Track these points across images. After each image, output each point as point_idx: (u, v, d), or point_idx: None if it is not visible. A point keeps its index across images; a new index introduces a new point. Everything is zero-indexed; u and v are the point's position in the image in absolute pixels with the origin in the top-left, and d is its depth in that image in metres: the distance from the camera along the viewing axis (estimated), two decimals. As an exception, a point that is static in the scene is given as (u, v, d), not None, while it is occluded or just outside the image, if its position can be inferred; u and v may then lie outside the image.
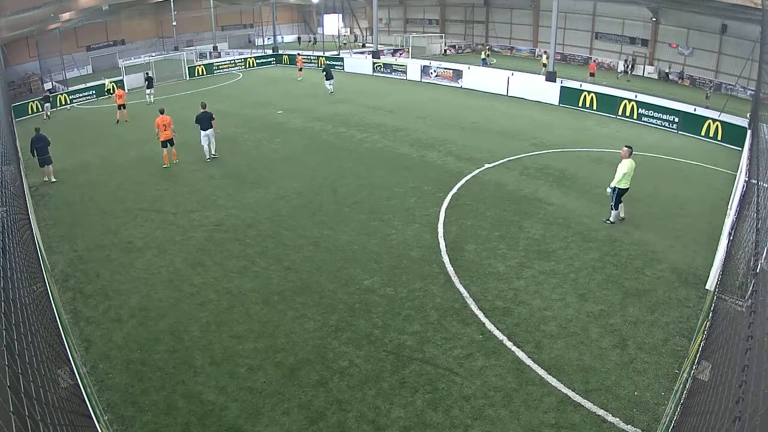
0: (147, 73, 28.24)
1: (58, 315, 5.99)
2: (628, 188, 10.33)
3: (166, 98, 26.18)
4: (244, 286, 8.71)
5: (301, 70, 32.67)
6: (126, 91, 24.50)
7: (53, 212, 12.25)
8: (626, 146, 10.27)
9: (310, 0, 56.57)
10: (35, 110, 25.84)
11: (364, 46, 49.51)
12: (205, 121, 15.26)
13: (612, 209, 10.60)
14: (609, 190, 10.39)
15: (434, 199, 12.14)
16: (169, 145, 15.08)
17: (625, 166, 10.10)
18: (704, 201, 11.94)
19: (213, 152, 15.73)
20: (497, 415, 5.85)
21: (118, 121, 21.43)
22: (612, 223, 10.64)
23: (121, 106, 21.80)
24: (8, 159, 8.55)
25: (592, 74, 31.48)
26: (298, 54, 36.81)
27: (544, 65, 34.67)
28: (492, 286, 8.48)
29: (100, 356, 7.02)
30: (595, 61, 37.42)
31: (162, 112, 15.16)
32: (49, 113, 24.70)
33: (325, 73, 26.47)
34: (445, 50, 47.73)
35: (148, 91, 25.87)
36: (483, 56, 38.88)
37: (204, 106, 15.57)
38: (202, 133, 15.39)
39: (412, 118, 20.38)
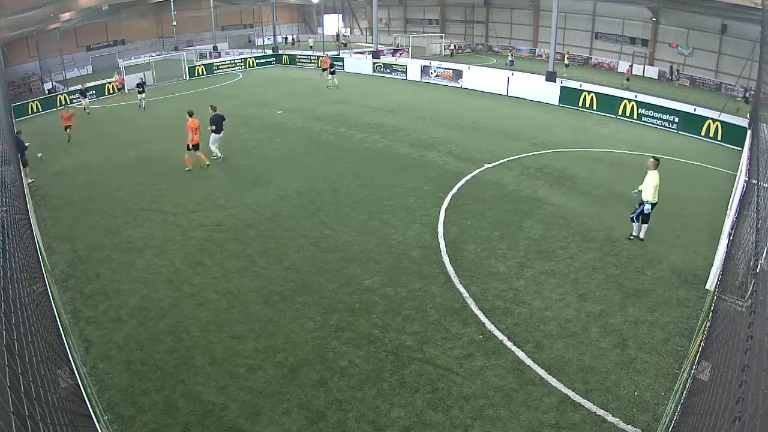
0: (141, 78, 27.88)
1: (58, 315, 5.99)
2: (657, 202, 9.51)
3: (166, 98, 26.20)
4: (244, 286, 8.71)
5: (324, 70, 30.96)
6: (80, 107, 22.85)
7: (53, 212, 12.25)
8: (653, 157, 9.48)
9: (310, 0, 56.59)
10: (35, 110, 25.83)
11: (345, 46, 47.96)
12: (220, 123, 15.03)
13: (638, 223, 9.71)
14: (636, 193, 9.47)
15: (434, 199, 12.14)
16: (196, 149, 14.51)
17: (656, 177, 9.29)
18: (704, 201, 11.94)
19: (220, 154, 15.45)
20: (497, 415, 5.85)
21: (69, 141, 18.50)
22: (642, 240, 9.83)
23: (67, 128, 18.62)
24: (8, 159, 8.55)
25: (627, 80, 31.03)
26: (326, 55, 36.04)
27: (566, 65, 35.36)
28: (492, 286, 8.48)
29: (100, 356, 7.02)
30: (630, 66, 36.21)
31: (191, 114, 14.47)
32: (88, 108, 24.38)
33: (332, 69, 28.82)
34: (452, 51, 47.36)
35: (140, 96, 24.68)
36: (510, 58, 41.41)
37: (215, 108, 15.20)
38: (215, 135, 15.10)
39: (412, 118, 20.38)
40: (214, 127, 14.91)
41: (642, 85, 30.02)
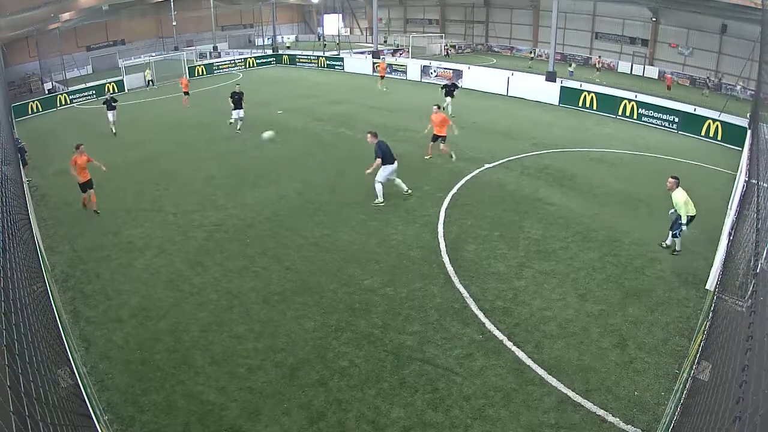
0: (238, 88, 19.43)
1: (58, 315, 6.00)
2: (695, 214, 9.11)
3: (166, 98, 26.19)
4: (244, 286, 8.71)
5: (383, 78, 28.42)
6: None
7: (53, 212, 12.25)
8: (672, 177, 9.11)
9: (310, 0, 56.60)
10: (35, 110, 25.79)
11: (325, 46, 45.69)
12: (388, 151, 11.48)
13: (677, 236, 9.31)
14: (675, 216, 9.08)
15: (434, 199, 12.13)
16: (436, 139, 14.50)
17: (684, 193, 8.98)
18: (704, 201, 11.90)
19: (381, 199, 11.82)
20: (497, 415, 5.85)
21: (86, 205, 12.17)
22: (678, 252, 9.43)
23: (86, 186, 11.80)
24: (8, 159, 8.55)
25: (668, 88, 30.38)
26: (383, 59, 32.95)
27: (598, 70, 34.68)
28: (492, 286, 8.48)
29: (100, 356, 7.02)
30: (671, 74, 35.19)
31: (439, 108, 14.43)
32: (115, 126, 19.31)
33: (445, 90, 20.91)
34: (447, 52, 46.98)
35: (236, 113, 18.83)
36: (571, 68, 36.93)
37: (375, 135, 11.69)
38: (389, 167, 11.53)
39: (412, 118, 20.35)
40: (380, 160, 11.37)
41: (683, 93, 28.52)
